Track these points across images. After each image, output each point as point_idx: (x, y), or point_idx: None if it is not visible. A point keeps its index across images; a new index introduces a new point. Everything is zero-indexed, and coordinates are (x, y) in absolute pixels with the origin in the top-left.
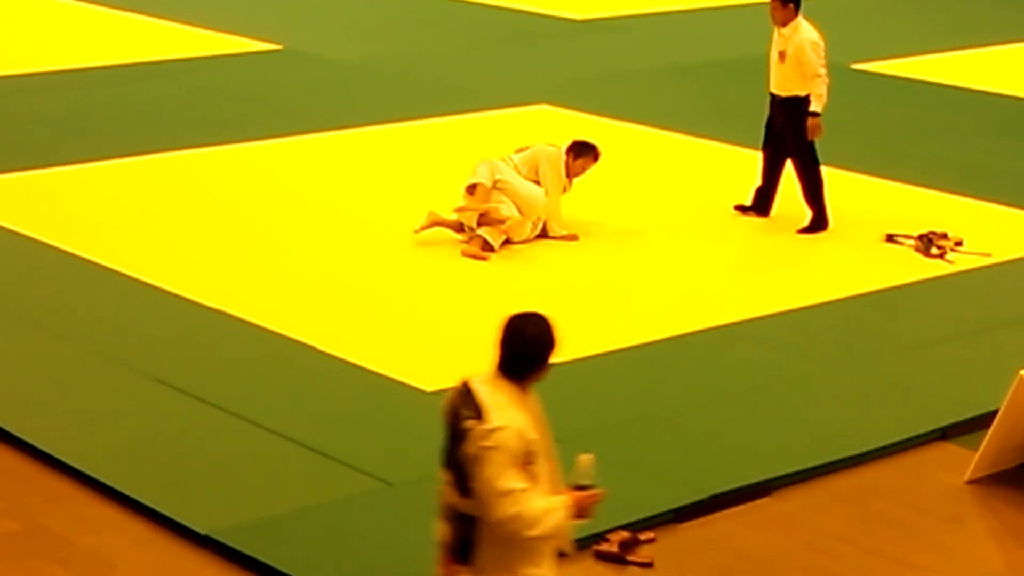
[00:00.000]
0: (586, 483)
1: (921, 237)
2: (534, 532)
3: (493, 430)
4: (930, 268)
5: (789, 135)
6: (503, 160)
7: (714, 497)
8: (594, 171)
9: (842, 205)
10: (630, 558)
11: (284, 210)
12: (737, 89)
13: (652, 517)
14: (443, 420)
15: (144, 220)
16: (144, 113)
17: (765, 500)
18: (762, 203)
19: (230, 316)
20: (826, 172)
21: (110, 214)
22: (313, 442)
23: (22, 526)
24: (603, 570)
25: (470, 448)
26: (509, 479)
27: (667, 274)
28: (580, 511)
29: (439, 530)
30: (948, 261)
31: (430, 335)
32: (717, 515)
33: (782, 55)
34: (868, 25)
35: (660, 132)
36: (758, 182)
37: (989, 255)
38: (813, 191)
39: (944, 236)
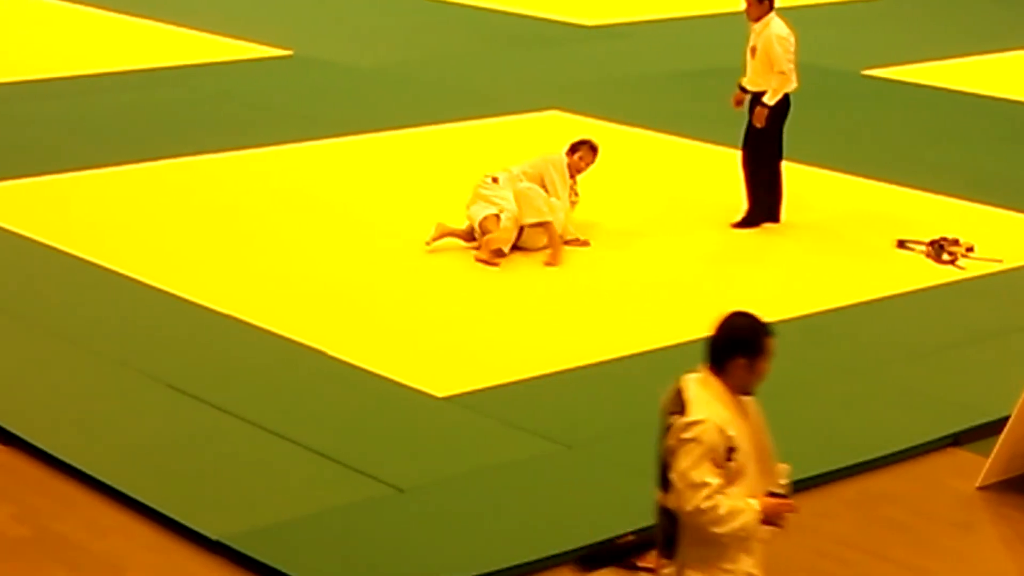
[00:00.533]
0: (780, 491)
1: (932, 243)
2: (721, 529)
3: (692, 423)
4: (941, 274)
5: (757, 129)
6: (502, 171)
7: None
8: (604, 175)
9: (853, 211)
10: (639, 564)
11: (294, 215)
12: None
13: None
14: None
15: (154, 225)
16: (154, 118)
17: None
18: (770, 211)
19: (241, 321)
20: (838, 178)
21: (120, 219)
22: (324, 447)
23: (33, 531)
24: None
25: (669, 441)
26: (703, 472)
27: (678, 279)
28: (771, 517)
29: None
30: (959, 267)
31: (441, 340)
32: None
33: (753, 50)
34: (878, 31)
35: (670, 137)
36: (745, 201)
37: (1000, 261)
38: (756, 186)
39: (955, 242)
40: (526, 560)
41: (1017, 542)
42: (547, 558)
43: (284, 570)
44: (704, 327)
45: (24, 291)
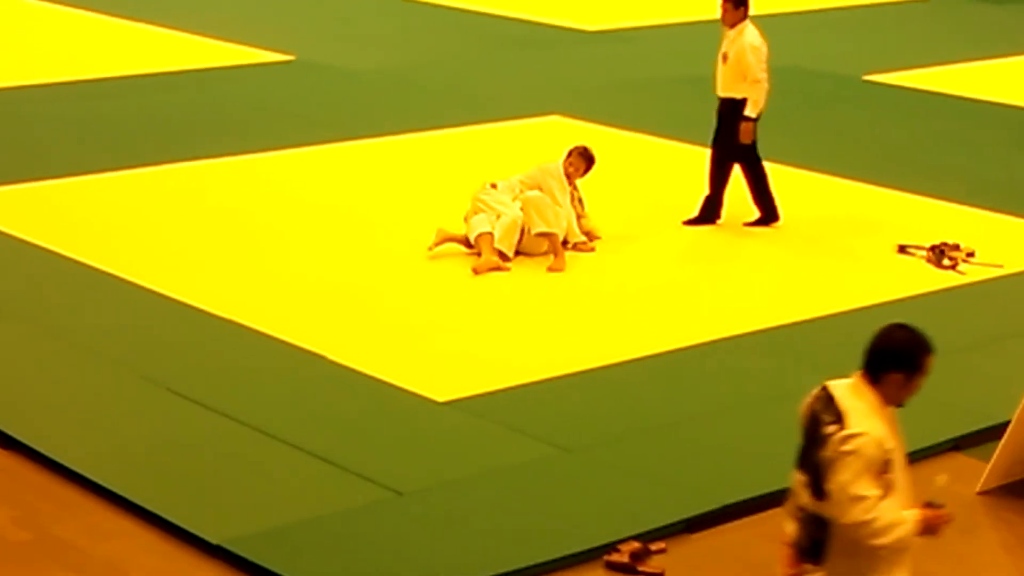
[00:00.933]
0: (938, 502)
1: (933, 248)
2: (881, 541)
3: (853, 436)
4: (942, 279)
5: (724, 135)
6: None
7: (725, 507)
8: (605, 180)
9: (854, 216)
10: (641, 568)
11: (296, 220)
12: None
13: (663, 527)
14: (800, 423)
15: (156, 229)
16: (157, 123)
17: (777, 510)
18: (710, 212)
19: (242, 326)
20: (839, 183)
21: (122, 223)
22: (324, 452)
23: (34, 535)
24: None
25: (829, 452)
26: (863, 485)
27: (680, 284)
28: (928, 528)
29: (788, 530)
30: (960, 272)
31: (441, 345)
32: (728, 525)
33: (725, 56)
34: (879, 37)
35: (671, 142)
36: (706, 190)
37: (1001, 266)
38: (760, 192)
39: (956, 247)
40: (526, 564)
41: (1018, 546)
42: (547, 562)
43: (284, 574)
44: (708, 331)
45: (25, 295)
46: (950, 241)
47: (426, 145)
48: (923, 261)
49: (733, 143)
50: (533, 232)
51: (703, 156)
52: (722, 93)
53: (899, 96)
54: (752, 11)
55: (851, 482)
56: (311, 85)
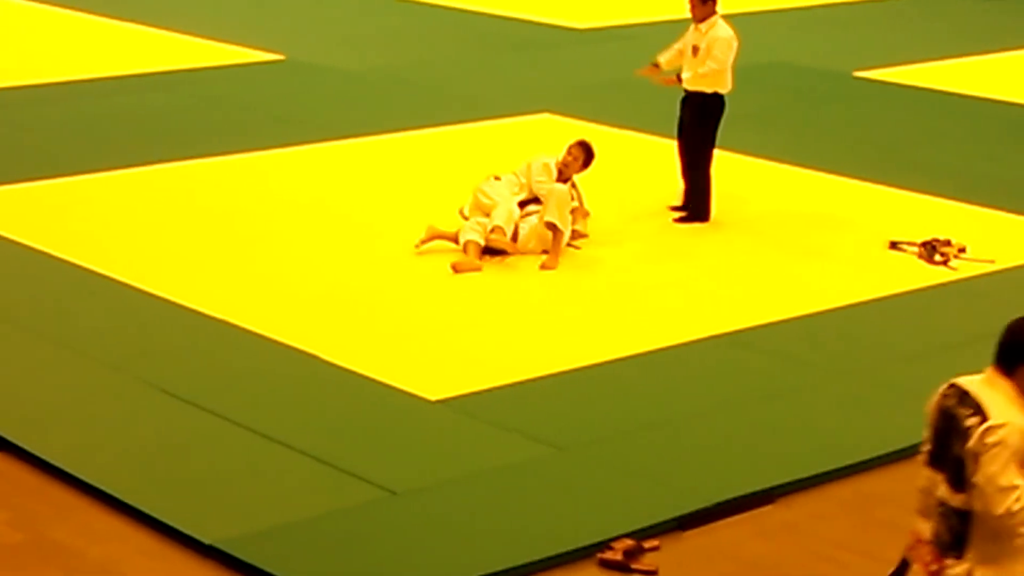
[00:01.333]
0: None
1: (924, 244)
2: None
3: (996, 427)
4: (933, 275)
5: (694, 128)
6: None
7: (718, 505)
8: (597, 178)
9: (845, 212)
10: (634, 566)
11: (288, 220)
12: (740, 98)
13: (656, 525)
14: (929, 422)
15: (148, 230)
16: (147, 124)
17: (769, 508)
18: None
19: (235, 326)
20: (829, 179)
21: (114, 225)
22: (318, 451)
23: (28, 537)
24: None
25: (972, 445)
26: (1010, 475)
27: (672, 281)
28: None
29: (921, 528)
30: (951, 268)
31: (434, 343)
32: (721, 523)
33: (695, 50)
34: (870, 33)
35: (662, 140)
36: (681, 183)
37: (992, 262)
38: (700, 188)
39: (947, 243)
40: (520, 563)
41: None
42: (541, 560)
43: (278, 574)
44: (699, 329)
45: (18, 296)
46: (941, 237)
47: (417, 144)
48: (914, 257)
49: (701, 134)
50: (544, 219)
51: None
52: (693, 87)
53: (890, 92)
54: (742, 7)
55: (999, 473)
56: (301, 85)
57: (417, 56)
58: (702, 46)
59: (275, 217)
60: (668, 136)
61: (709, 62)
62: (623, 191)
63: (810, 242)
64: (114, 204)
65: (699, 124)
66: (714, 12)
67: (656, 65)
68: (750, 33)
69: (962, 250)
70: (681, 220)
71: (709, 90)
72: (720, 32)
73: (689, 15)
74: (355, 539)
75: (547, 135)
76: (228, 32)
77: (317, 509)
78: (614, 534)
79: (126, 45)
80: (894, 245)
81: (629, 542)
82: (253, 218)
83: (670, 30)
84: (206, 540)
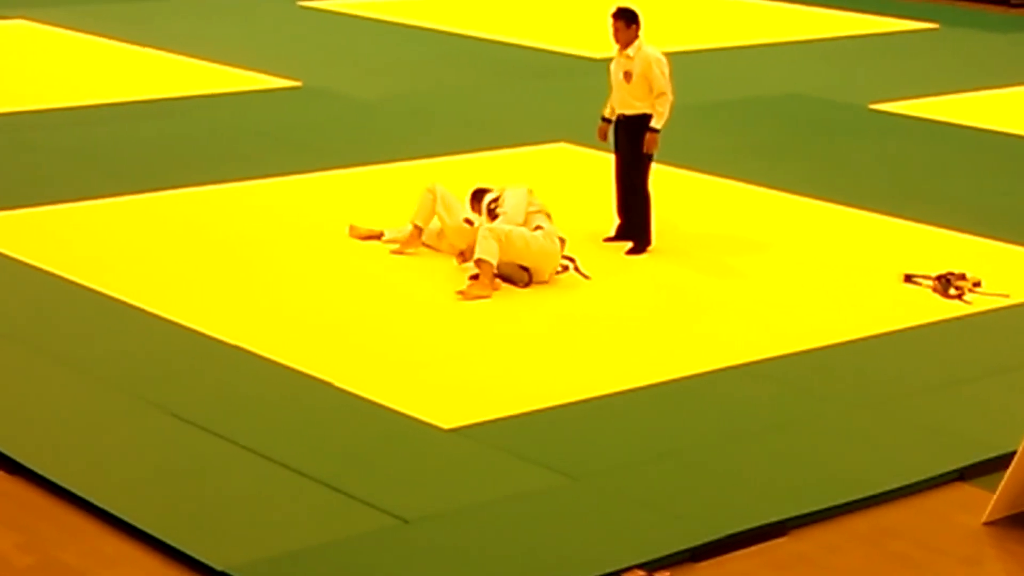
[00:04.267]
0: None
1: (939, 278)
2: None
3: None
4: (948, 309)
5: (632, 153)
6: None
7: (730, 536)
8: (610, 207)
9: (860, 245)
10: None
11: (302, 246)
12: (753, 129)
13: (668, 556)
14: None
15: (162, 255)
16: (163, 149)
17: (782, 540)
18: (628, 231)
19: (248, 352)
20: (844, 212)
21: (128, 249)
22: (330, 478)
23: (38, 560)
24: None
25: None
26: None
27: (684, 311)
28: None
29: None
30: (966, 302)
31: (447, 372)
32: (733, 555)
33: (628, 75)
34: (886, 66)
35: (676, 170)
36: (616, 219)
37: (1007, 296)
38: (641, 213)
39: (962, 277)
40: None
41: None
42: None
43: None
44: (714, 360)
45: (30, 319)
46: (956, 271)
47: (433, 172)
48: (929, 290)
49: (638, 158)
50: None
51: (709, 183)
52: (627, 111)
53: (906, 125)
54: (758, 39)
55: None
56: (317, 112)
57: (434, 84)
58: (634, 70)
59: (289, 244)
60: (685, 167)
61: (661, 98)
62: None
63: (824, 274)
64: (128, 229)
65: (640, 146)
66: (637, 36)
67: (607, 120)
68: (766, 65)
69: (977, 284)
70: (631, 252)
71: (649, 110)
72: (649, 53)
73: (614, 42)
74: (366, 567)
75: (563, 164)
76: (245, 58)
77: (328, 536)
78: (626, 565)
79: (141, 71)
80: (909, 278)
81: (641, 573)
82: (267, 244)
83: (686, 61)
84: (217, 566)
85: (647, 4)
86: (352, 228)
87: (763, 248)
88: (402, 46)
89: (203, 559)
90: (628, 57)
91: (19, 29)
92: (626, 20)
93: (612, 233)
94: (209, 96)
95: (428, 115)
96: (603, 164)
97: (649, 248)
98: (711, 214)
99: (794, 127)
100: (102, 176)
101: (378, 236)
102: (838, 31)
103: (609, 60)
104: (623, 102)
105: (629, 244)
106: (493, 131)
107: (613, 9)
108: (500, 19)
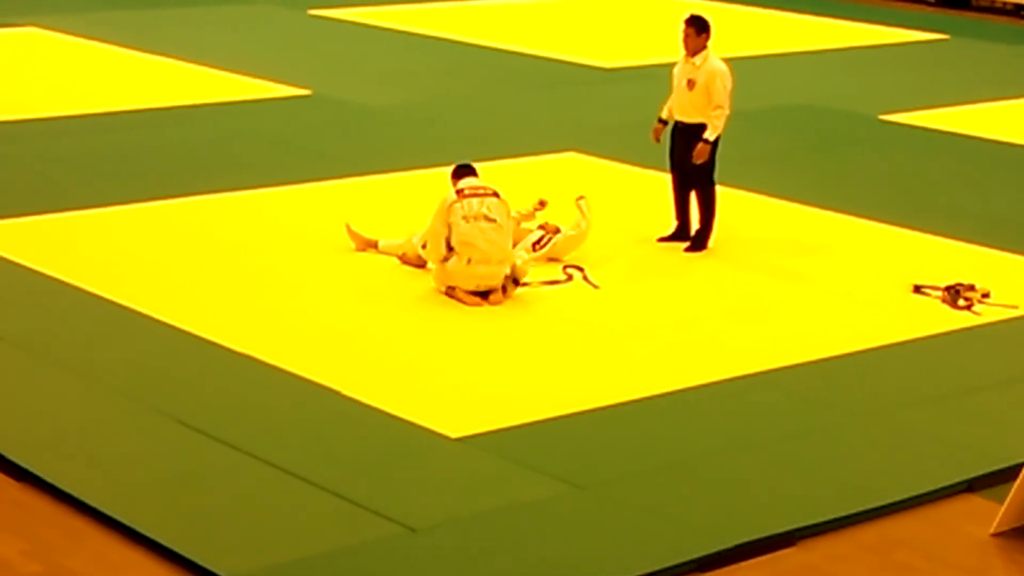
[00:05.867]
0: None
1: (948, 288)
2: None
3: None
4: (957, 320)
5: (687, 159)
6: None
7: (738, 547)
8: (620, 217)
9: (869, 255)
10: None
11: (311, 255)
12: (764, 139)
13: (675, 566)
14: None
15: (172, 263)
16: (173, 157)
17: (789, 550)
18: (683, 233)
19: (256, 360)
20: (854, 222)
21: (137, 257)
22: (337, 487)
23: (44, 567)
24: None
25: None
26: None
27: (693, 322)
28: None
29: None
30: (975, 313)
31: (455, 381)
32: (741, 565)
33: (691, 83)
34: (896, 76)
35: None
36: (674, 220)
37: (1017, 307)
38: (709, 215)
39: (972, 288)
40: None
41: None
42: None
43: None
44: (721, 370)
45: (39, 326)
46: (965, 282)
47: (442, 181)
48: (938, 301)
49: (700, 166)
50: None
51: (721, 194)
52: (687, 119)
53: (915, 136)
54: (768, 50)
55: None
56: (328, 120)
57: (444, 93)
58: (699, 80)
59: (298, 252)
60: None
61: (717, 111)
62: (647, 230)
63: (834, 285)
64: (138, 236)
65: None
66: (706, 46)
67: (663, 122)
68: (776, 75)
69: (986, 295)
70: (689, 249)
71: (703, 121)
72: (716, 65)
73: (682, 48)
74: (373, 574)
75: (573, 174)
76: (256, 67)
77: (335, 544)
78: (633, 574)
79: (152, 78)
80: (918, 289)
81: None
82: (276, 252)
83: None
84: (223, 573)
85: (658, 15)
86: (349, 230)
87: (772, 258)
88: (412, 55)
89: (210, 566)
90: (695, 65)
91: (30, 37)
92: (697, 28)
93: (668, 233)
94: (220, 104)
95: (438, 124)
96: (613, 173)
97: (708, 247)
98: (720, 224)
99: (804, 137)
100: (112, 184)
101: (374, 245)
102: (848, 42)
103: (622, 69)
104: (682, 109)
105: (686, 243)
106: (503, 140)
107: (686, 15)
108: (510, 28)
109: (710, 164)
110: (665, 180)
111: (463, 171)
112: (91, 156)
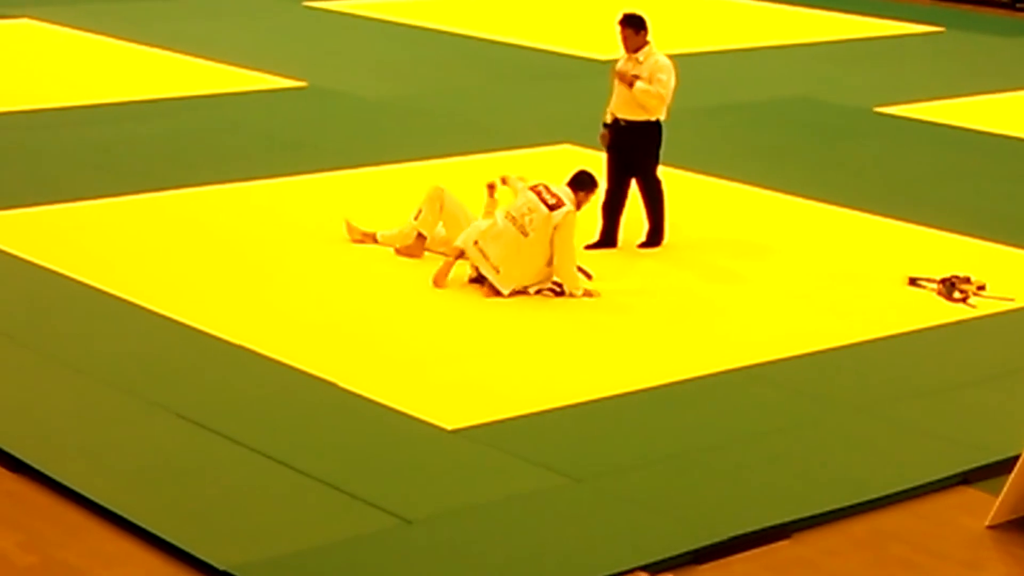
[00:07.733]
0: None
1: (944, 281)
2: None
3: None
4: (953, 312)
5: (636, 158)
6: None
7: (733, 539)
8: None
9: (864, 248)
10: None
11: (307, 246)
12: (759, 131)
13: (671, 558)
14: None
15: (166, 255)
16: (168, 149)
17: (784, 543)
18: (610, 236)
19: (251, 351)
20: (849, 215)
21: (131, 248)
22: (332, 478)
23: (39, 559)
24: None
25: None
26: None
27: (688, 314)
28: None
29: None
30: (971, 305)
31: (451, 373)
32: (735, 557)
33: (635, 78)
34: (892, 69)
35: (682, 173)
36: (600, 221)
37: (1012, 300)
38: (656, 209)
39: (967, 280)
40: None
41: None
42: None
43: None
44: (716, 363)
45: (33, 318)
46: (961, 274)
47: (438, 173)
48: (933, 294)
49: (645, 162)
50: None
51: (716, 186)
52: (630, 116)
53: (911, 128)
54: (763, 42)
55: None
56: (323, 112)
57: (439, 85)
58: (642, 75)
59: (294, 243)
60: (690, 169)
61: (657, 87)
62: (639, 223)
63: (829, 277)
64: (133, 228)
65: (644, 154)
66: (647, 41)
67: (608, 127)
68: (771, 68)
69: (981, 288)
70: (644, 245)
71: (653, 117)
72: (660, 59)
73: (622, 47)
74: (369, 567)
75: (568, 165)
76: (251, 58)
77: (331, 536)
78: (629, 566)
79: (146, 70)
80: (913, 282)
81: (643, 575)
82: (272, 244)
83: (691, 64)
84: (219, 566)
85: (652, 6)
86: (348, 225)
87: (767, 251)
88: (408, 47)
89: (205, 558)
90: (638, 61)
91: (24, 28)
92: (634, 27)
93: (594, 241)
94: (214, 96)
95: (433, 116)
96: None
97: (663, 242)
98: (716, 217)
99: (799, 130)
100: (107, 175)
101: (372, 237)
102: (843, 34)
103: (612, 62)
104: (626, 106)
105: (613, 248)
106: (498, 132)
107: (619, 16)
108: (506, 20)
109: (652, 159)
110: (661, 175)
111: (583, 182)
112: (85, 147)
